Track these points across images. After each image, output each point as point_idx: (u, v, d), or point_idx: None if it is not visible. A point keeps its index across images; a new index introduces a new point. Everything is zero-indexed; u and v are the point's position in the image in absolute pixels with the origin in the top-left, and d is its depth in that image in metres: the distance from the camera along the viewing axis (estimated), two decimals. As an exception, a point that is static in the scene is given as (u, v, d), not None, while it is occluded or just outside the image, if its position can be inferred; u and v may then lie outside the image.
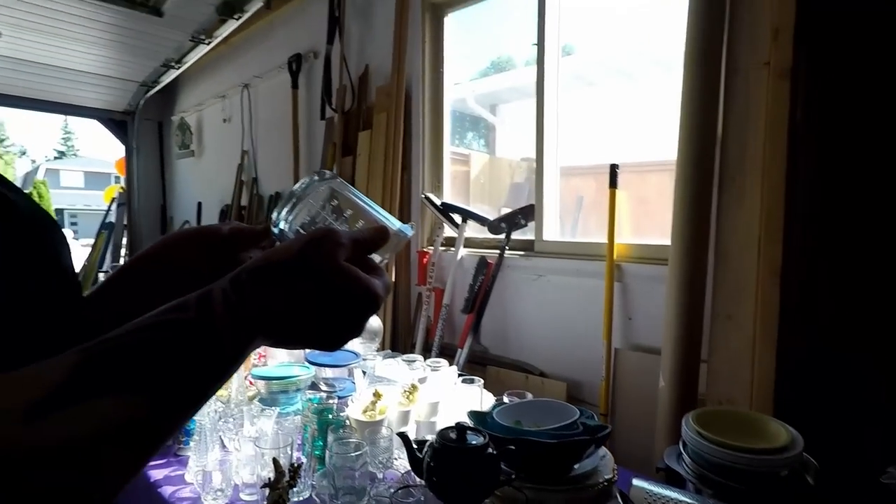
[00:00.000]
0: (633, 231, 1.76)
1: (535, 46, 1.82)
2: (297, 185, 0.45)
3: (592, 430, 0.87)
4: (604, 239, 1.56)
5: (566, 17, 1.81)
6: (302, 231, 0.44)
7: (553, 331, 1.75)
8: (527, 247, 1.90)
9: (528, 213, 1.86)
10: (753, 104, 1.20)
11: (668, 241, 1.31)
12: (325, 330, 0.36)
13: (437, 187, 2.22)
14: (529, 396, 1.09)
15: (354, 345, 1.71)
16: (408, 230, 0.43)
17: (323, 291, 0.34)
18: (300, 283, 0.34)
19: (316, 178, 0.45)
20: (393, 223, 0.43)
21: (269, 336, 0.34)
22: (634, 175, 1.86)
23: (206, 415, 1.06)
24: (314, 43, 2.70)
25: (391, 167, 2.16)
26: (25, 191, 0.42)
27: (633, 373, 1.50)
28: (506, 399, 1.07)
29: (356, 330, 0.37)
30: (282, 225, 0.44)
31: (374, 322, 1.74)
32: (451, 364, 1.85)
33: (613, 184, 1.57)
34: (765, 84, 1.17)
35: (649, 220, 1.75)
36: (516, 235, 1.91)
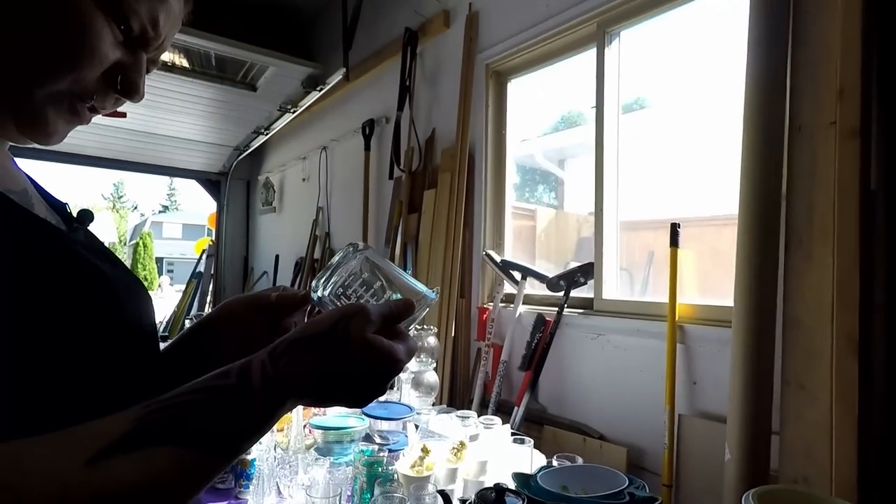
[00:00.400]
0: (699, 290, 1.69)
1: (594, 109, 1.87)
2: (335, 256, 0.51)
3: (640, 501, 0.84)
4: (667, 298, 1.51)
5: (636, 72, 1.85)
6: (335, 299, 0.49)
7: (613, 392, 1.69)
8: (586, 305, 1.87)
9: (587, 271, 1.85)
10: (820, 164, 1.16)
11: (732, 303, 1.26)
12: (352, 393, 0.42)
13: (499, 244, 2.27)
14: (580, 461, 1.06)
15: (411, 398, 1.73)
16: (432, 295, 0.49)
17: (351, 362, 0.40)
18: (331, 355, 0.40)
19: (351, 249, 0.51)
20: (419, 290, 0.49)
21: (301, 399, 0.40)
22: (706, 229, 1.82)
23: (265, 461, 1.12)
24: (386, 109, 2.91)
25: (454, 224, 2.24)
26: (132, 241, 0.51)
27: (699, 441, 1.41)
28: (555, 462, 1.05)
29: (380, 392, 0.43)
30: (319, 293, 0.50)
31: (431, 377, 1.77)
32: (508, 422, 1.82)
33: (675, 242, 1.54)
34: (832, 144, 1.14)
35: (718, 277, 1.68)
36: (576, 293, 1.89)
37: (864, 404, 1.02)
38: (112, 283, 0.45)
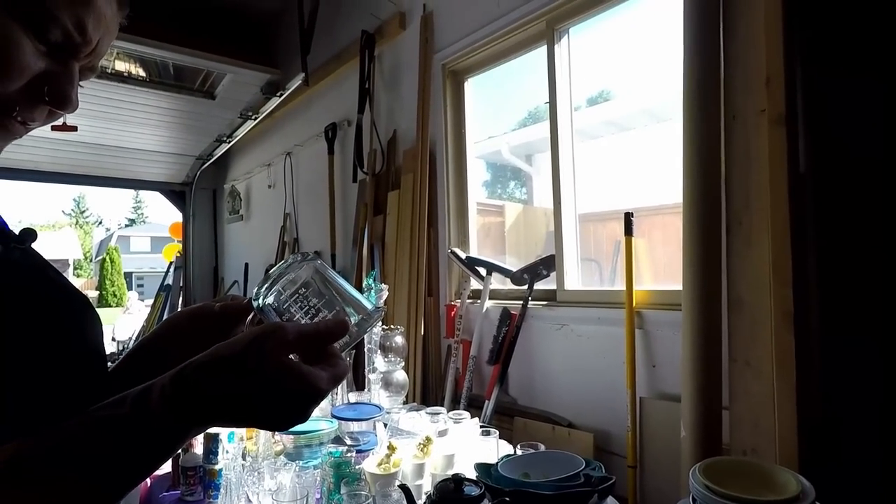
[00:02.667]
0: (656, 276, 1.75)
1: (548, 104, 1.91)
2: (280, 264, 0.49)
3: (596, 481, 0.87)
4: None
5: (588, 67, 1.90)
6: (277, 308, 0.47)
7: (579, 380, 1.74)
8: (550, 297, 1.92)
9: (549, 263, 1.89)
10: (754, 150, 1.22)
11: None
12: (268, 419, 0.40)
13: (463, 242, 2.30)
14: (542, 448, 1.09)
15: (381, 398, 1.75)
16: (375, 313, 0.47)
17: (263, 386, 0.38)
18: (241, 379, 0.38)
19: (299, 257, 0.49)
20: (364, 304, 0.47)
21: (209, 422, 0.39)
22: (662, 217, 1.88)
23: (233, 469, 1.13)
24: (347, 112, 2.92)
25: (418, 224, 2.26)
26: (99, 257, 0.49)
27: (660, 422, 1.46)
28: (518, 451, 1.08)
29: (300, 418, 0.41)
30: (261, 300, 0.47)
31: (400, 376, 1.79)
32: (480, 416, 1.86)
33: (629, 231, 1.59)
34: (763, 130, 1.20)
35: (671, 263, 1.75)
36: (541, 285, 1.94)
37: (803, 375, 1.08)
38: (46, 304, 0.45)
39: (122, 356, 0.58)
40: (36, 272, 0.47)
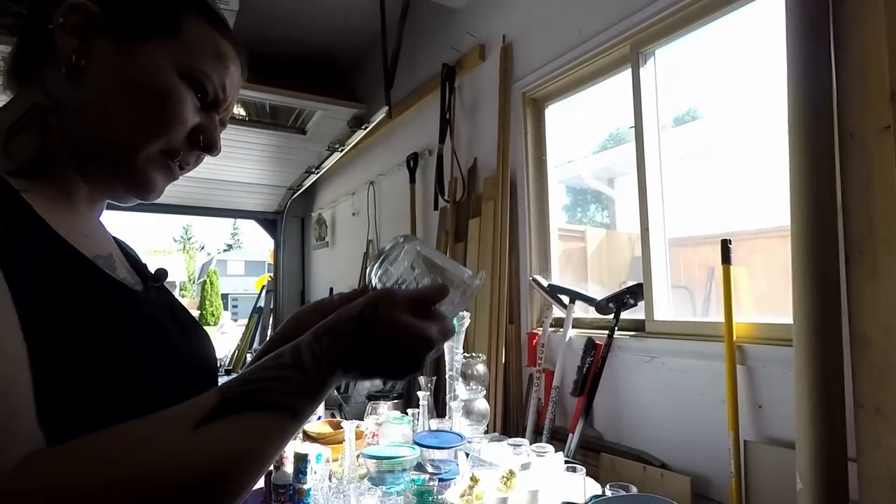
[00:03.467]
0: (758, 307, 1.62)
1: (633, 128, 1.85)
2: (386, 246, 0.55)
3: (699, 533, 0.81)
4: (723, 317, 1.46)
5: (677, 87, 1.83)
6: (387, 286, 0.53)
7: (672, 418, 1.63)
8: (638, 327, 1.83)
9: (636, 292, 1.81)
10: (876, 170, 1.10)
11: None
12: (389, 369, 0.47)
13: (545, 269, 2.26)
14: (634, 490, 1.03)
15: (462, 427, 1.74)
16: (475, 282, 0.53)
17: (381, 341, 0.45)
18: (362, 335, 0.45)
19: (401, 239, 0.55)
20: (462, 276, 0.53)
21: (347, 373, 0.46)
22: (762, 242, 1.75)
23: (320, 490, 1.16)
24: (429, 142, 3.00)
25: (499, 252, 2.26)
26: (200, 279, 0.59)
27: (769, 470, 1.33)
28: (608, 491, 1.02)
29: (415, 368, 0.47)
30: (374, 282, 0.54)
31: (482, 404, 1.77)
32: (563, 449, 1.78)
33: (727, 259, 1.49)
34: (887, 150, 1.08)
35: (776, 293, 1.61)
36: (628, 315, 1.85)
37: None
38: (172, 340, 0.51)
39: (254, 357, 0.64)
40: (167, 309, 0.54)
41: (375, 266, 0.54)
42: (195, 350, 0.55)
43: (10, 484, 0.33)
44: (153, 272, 0.60)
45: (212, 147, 0.56)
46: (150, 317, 0.50)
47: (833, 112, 1.19)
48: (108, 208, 0.60)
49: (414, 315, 0.46)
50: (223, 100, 0.56)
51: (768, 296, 1.66)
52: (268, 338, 0.62)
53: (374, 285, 0.54)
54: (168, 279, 0.63)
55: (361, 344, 0.45)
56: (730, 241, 1.50)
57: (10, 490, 0.33)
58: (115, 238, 0.61)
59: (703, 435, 1.52)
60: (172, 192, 4.74)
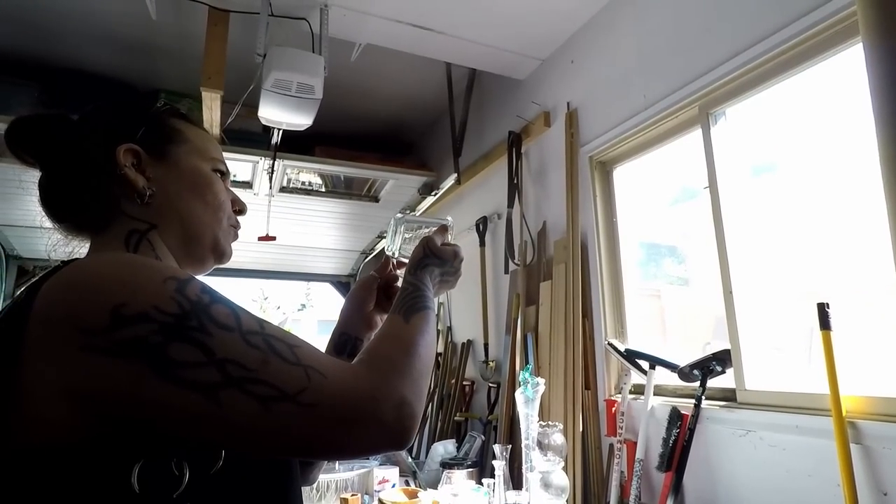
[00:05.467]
0: (871, 377, 1.47)
1: (707, 189, 1.82)
2: (389, 228, 0.88)
3: None
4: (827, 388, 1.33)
5: (751, 144, 1.80)
6: (402, 247, 0.89)
7: (777, 501, 1.47)
8: (728, 396, 1.71)
9: (723, 359, 1.70)
10: None
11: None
12: (449, 271, 0.81)
13: (620, 332, 2.19)
14: (741, 588, 0.93)
15: (541, 500, 1.66)
16: (446, 220, 0.88)
17: (439, 258, 0.79)
18: (430, 259, 0.78)
19: (394, 220, 0.88)
20: (441, 221, 0.88)
21: (435, 282, 0.78)
22: (867, 300, 1.61)
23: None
24: (497, 206, 3.07)
25: (572, 315, 2.22)
26: None
27: (901, 570, 1.16)
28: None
29: (459, 268, 0.83)
30: (389, 252, 0.90)
31: (560, 477, 1.70)
32: (652, 533, 1.65)
33: (825, 325, 1.38)
34: None
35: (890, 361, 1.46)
36: (716, 382, 1.74)
37: None
38: None
39: (330, 339, 0.91)
40: None
41: (389, 240, 0.89)
42: None
43: (365, 367, 0.56)
44: None
45: (244, 210, 0.79)
46: None
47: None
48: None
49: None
50: (228, 171, 0.77)
51: (880, 363, 1.51)
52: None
53: (393, 252, 0.89)
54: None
55: (433, 263, 0.78)
56: (827, 304, 1.39)
57: (366, 367, 0.56)
58: None
59: (816, 522, 1.36)
60: (255, 258, 5.09)
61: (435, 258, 0.77)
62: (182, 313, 0.48)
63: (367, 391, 0.51)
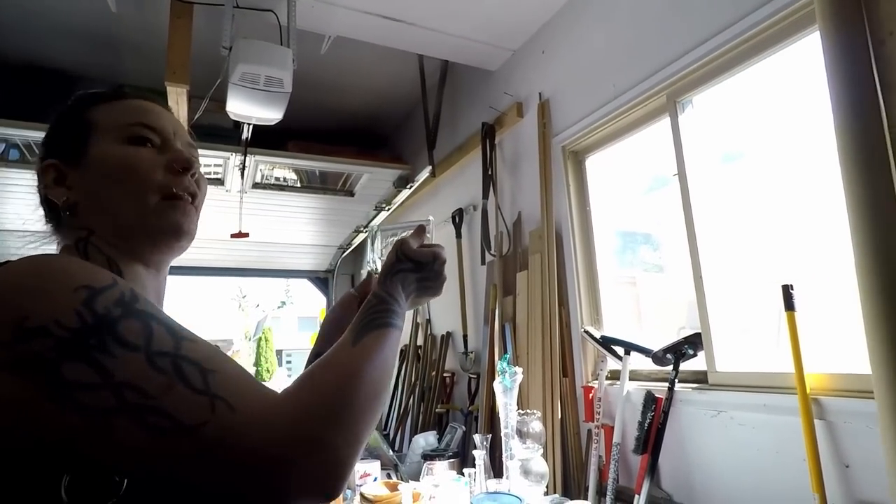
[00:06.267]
0: (832, 355, 1.52)
1: (676, 176, 1.85)
2: (368, 243, 0.82)
3: None
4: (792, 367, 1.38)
5: (719, 130, 1.83)
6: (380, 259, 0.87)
7: (748, 478, 1.52)
8: (700, 378, 1.75)
9: (695, 342, 1.74)
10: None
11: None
12: (428, 278, 0.70)
13: (596, 319, 2.22)
14: (711, 563, 0.96)
15: (521, 488, 1.69)
16: (428, 220, 0.81)
17: (415, 263, 0.69)
18: (404, 266, 0.68)
19: (371, 232, 0.89)
20: (420, 222, 0.80)
21: (409, 292, 0.69)
22: (831, 282, 1.66)
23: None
24: (473, 198, 3.08)
25: (548, 304, 2.24)
26: (256, 336, 0.80)
27: (863, 538, 1.21)
28: (682, 564, 0.96)
29: (441, 273, 0.73)
30: (370, 267, 0.89)
31: (539, 464, 1.72)
32: (629, 514, 1.69)
33: (790, 306, 1.43)
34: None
35: (851, 339, 1.51)
36: (688, 365, 1.78)
37: None
38: None
39: (313, 347, 0.89)
40: None
41: (369, 253, 0.83)
42: None
43: (287, 403, 0.47)
44: None
45: (187, 163, 0.65)
46: None
47: (887, 149, 1.16)
48: (171, 273, 0.72)
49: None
50: (168, 133, 0.66)
51: (841, 342, 1.56)
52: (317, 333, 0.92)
53: (372, 264, 0.88)
54: (225, 337, 0.82)
55: (406, 269, 0.68)
56: (791, 286, 1.44)
57: (288, 403, 0.47)
58: None
59: (784, 497, 1.41)
60: (230, 257, 5.02)
61: (409, 262, 0.67)
62: (82, 328, 0.44)
63: (283, 432, 0.44)
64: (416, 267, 0.68)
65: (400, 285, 0.66)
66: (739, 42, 1.60)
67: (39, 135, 2.50)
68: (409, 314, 4.04)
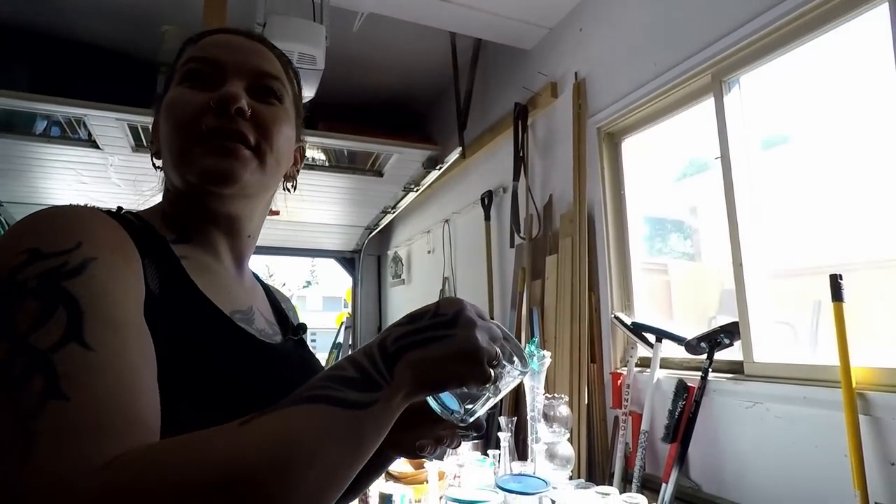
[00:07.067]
0: (881, 348, 1.46)
1: (719, 159, 1.78)
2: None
3: None
4: (836, 359, 1.32)
5: (766, 112, 1.75)
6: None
7: (783, 472, 1.48)
8: (735, 368, 1.70)
9: (731, 331, 1.69)
10: None
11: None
12: (430, 330, 0.43)
13: (627, 305, 2.18)
14: (747, 555, 0.94)
15: (546, 471, 1.68)
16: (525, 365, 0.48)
17: (407, 317, 0.45)
18: (426, 325, 0.44)
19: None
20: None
21: (412, 368, 0.41)
22: (880, 273, 1.59)
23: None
24: (503, 180, 3.03)
25: (578, 289, 2.21)
26: None
27: (906, 538, 1.16)
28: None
29: (443, 325, 0.43)
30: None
31: (565, 448, 1.71)
32: (656, 500, 1.67)
33: (838, 296, 1.36)
34: None
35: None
36: (723, 355, 1.73)
37: None
38: (286, 387, 0.55)
39: None
40: (297, 359, 0.58)
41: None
42: None
43: (101, 480, 0.31)
44: (296, 325, 0.67)
45: (223, 101, 0.54)
46: (273, 365, 0.55)
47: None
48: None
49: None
50: (221, 66, 0.57)
51: (890, 334, 1.49)
52: None
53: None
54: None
55: (426, 331, 0.42)
56: (840, 276, 1.37)
57: (103, 481, 0.31)
58: (269, 290, 0.70)
59: (822, 494, 1.37)
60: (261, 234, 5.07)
61: (405, 318, 0.46)
62: None
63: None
64: (410, 319, 0.45)
65: (375, 346, 0.43)
66: (793, 17, 1.51)
67: (79, 111, 2.58)
68: (433, 295, 4.06)
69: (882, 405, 1.26)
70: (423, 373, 0.41)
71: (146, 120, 2.58)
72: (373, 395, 0.39)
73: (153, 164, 0.62)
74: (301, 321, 0.70)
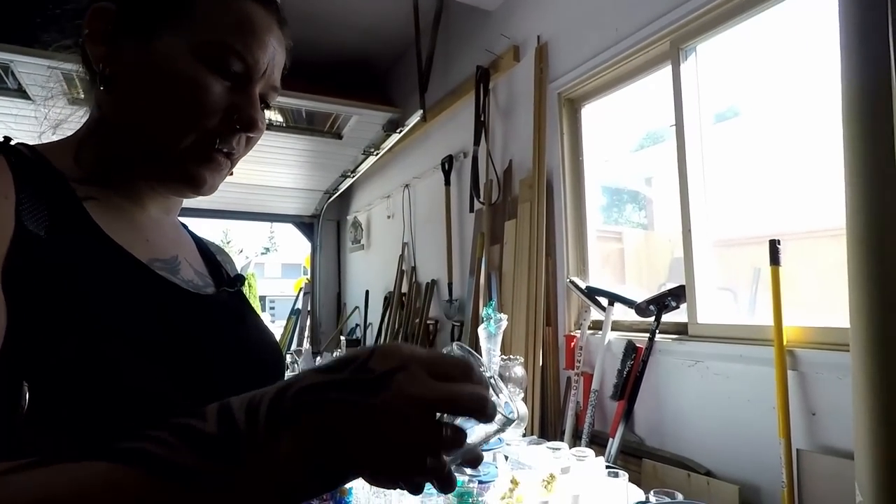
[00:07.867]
0: (811, 310, 1.55)
1: (674, 127, 1.81)
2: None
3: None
4: (771, 320, 1.40)
5: (719, 83, 1.79)
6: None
7: (719, 424, 1.58)
8: (680, 330, 1.78)
9: (678, 294, 1.76)
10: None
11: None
12: (377, 442, 0.30)
13: (582, 270, 2.23)
14: (679, 497, 1.00)
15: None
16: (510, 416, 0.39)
17: (325, 365, 0.34)
18: (345, 382, 0.32)
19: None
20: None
21: (312, 437, 0.31)
22: (814, 241, 1.68)
23: (362, 489, 1.17)
24: (463, 144, 3.01)
25: (535, 254, 2.24)
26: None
27: (824, 480, 1.27)
28: (652, 498, 1.00)
29: (416, 458, 0.31)
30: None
31: (520, 407, 1.76)
32: (603, 454, 1.76)
33: (775, 260, 1.44)
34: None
35: (831, 295, 1.54)
36: (669, 317, 1.81)
37: None
38: (226, 339, 0.51)
39: None
40: (233, 312, 0.55)
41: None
42: (254, 351, 0.54)
43: None
44: (231, 277, 0.60)
45: (249, 126, 0.50)
46: (203, 316, 0.50)
47: (893, 106, 1.14)
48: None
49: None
50: (257, 70, 0.50)
51: (819, 298, 1.59)
52: (303, 346, 0.57)
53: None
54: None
55: (339, 388, 0.30)
56: (778, 241, 1.44)
57: None
58: (202, 242, 0.63)
59: (752, 443, 1.47)
60: (212, 196, 4.89)
61: (332, 361, 0.35)
62: None
63: None
64: (334, 365, 0.34)
65: (285, 386, 0.32)
66: (750, -14, 1.53)
67: (4, 57, 2.36)
68: (392, 261, 4.03)
69: (808, 361, 1.35)
70: (314, 451, 0.29)
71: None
72: (225, 468, 0.28)
73: (98, 84, 0.49)
74: (238, 273, 0.63)
